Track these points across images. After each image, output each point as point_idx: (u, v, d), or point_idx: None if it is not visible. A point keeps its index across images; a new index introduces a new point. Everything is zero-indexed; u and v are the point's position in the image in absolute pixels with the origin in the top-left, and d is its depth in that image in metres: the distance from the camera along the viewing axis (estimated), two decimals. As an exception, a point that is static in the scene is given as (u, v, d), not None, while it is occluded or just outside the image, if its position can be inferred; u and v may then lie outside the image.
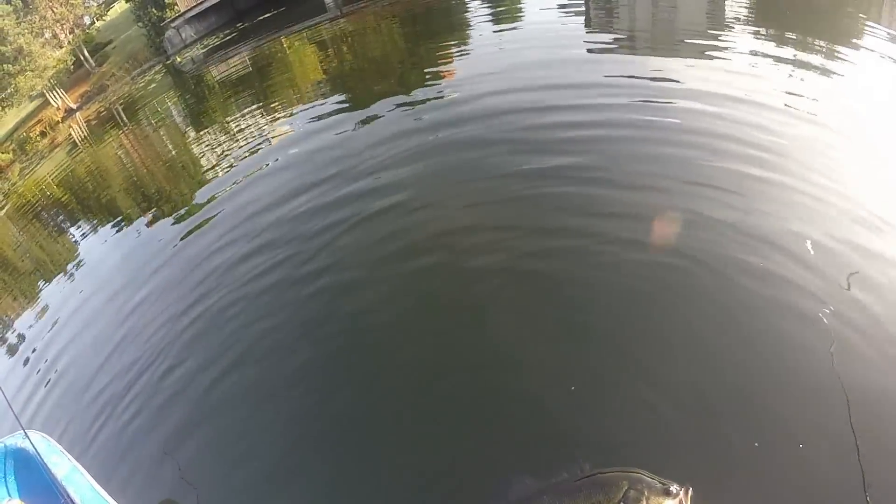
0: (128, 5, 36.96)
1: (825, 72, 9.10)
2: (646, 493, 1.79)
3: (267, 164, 10.66)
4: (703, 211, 5.78)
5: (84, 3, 42.75)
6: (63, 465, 3.91)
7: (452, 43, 15.29)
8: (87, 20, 43.24)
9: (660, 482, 1.79)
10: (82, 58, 37.20)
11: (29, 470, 3.95)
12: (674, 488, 1.72)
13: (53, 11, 38.86)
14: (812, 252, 4.82)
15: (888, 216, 5.12)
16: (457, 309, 5.48)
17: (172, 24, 30.21)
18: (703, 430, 3.67)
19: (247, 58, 22.99)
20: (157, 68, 28.19)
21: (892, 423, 3.52)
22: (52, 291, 9.69)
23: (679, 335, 4.53)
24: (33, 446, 3.79)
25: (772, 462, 3.45)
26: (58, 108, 31.14)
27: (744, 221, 5.46)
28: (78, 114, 28.99)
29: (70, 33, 40.65)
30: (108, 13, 43.66)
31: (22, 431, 3.96)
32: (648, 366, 4.24)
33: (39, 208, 16.54)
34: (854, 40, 10.25)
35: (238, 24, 28.82)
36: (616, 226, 5.91)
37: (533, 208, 6.65)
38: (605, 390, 4.17)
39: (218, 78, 21.61)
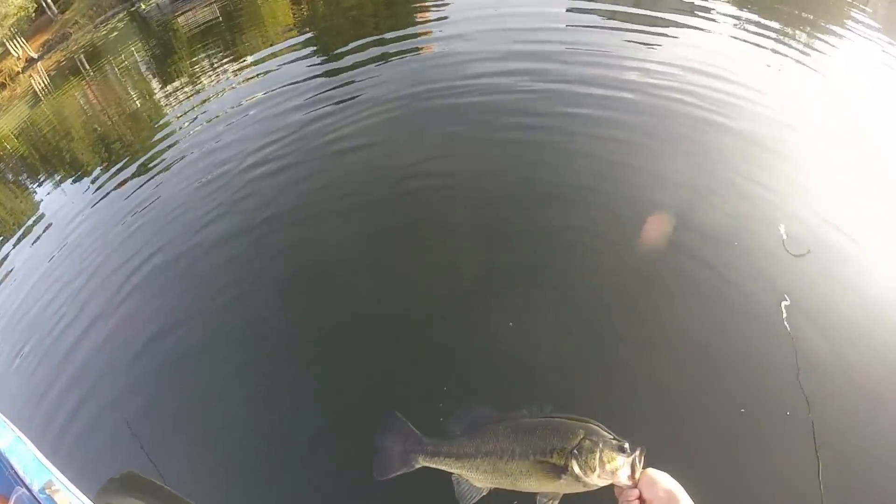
0: (91, -52, 35.18)
1: (807, 52, 9.19)
2: (600, 446, 1.71)
3: (235, 122, 10.35)
4: (677, 195, 5.77)
5: (46, -55, 40.52)
6: (6, 436, 3.74)
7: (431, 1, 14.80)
8: (48, -37, 41.08)
9: (615, 439, 1.71)
10: (44, 4, 35.43)
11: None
12: (627, 446, 1.64)
13: (13, -46, 36.82)
14: (785, 237, 4.85)
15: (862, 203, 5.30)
16: (433, 262, 5.58)
17: (138, -31, 28.85)
18: (668, 404, 3.85)
19: (216, 6, 22.07)
20: (121, 15, 27.01)
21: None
22: (12, 251, 9.36)
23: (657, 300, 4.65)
24: (-27, 416, 3.61)
25: (729, 440, 3.63)
26: (18, 58, 29.74)
27: (718, 212, 5.43)
28: (39, 63, 27.77)
29: (31, -23, 38.66)
30: (71, -44, 41.49)
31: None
32: (626, 333, 4.37)
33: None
34: (841, 22, 10.29)
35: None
36: (589, 199, 5.90)
37: (504, 169, 6.71)
38: (581, 345, 4.33)
39: (185, 27, 20.84)
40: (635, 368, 4.06)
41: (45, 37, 31.82)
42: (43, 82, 23.19)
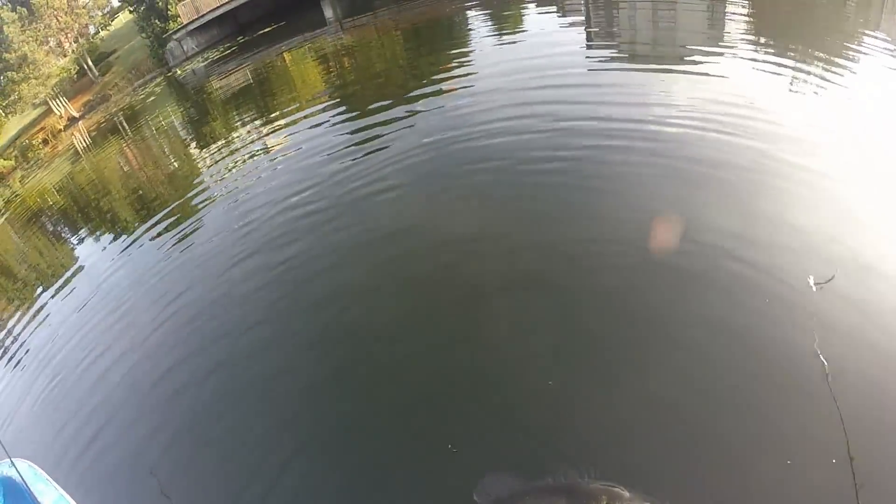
0: (132, 16, 37.28)
1: (823, 86, 9.16)
2: None
3: (266, 176, 10.92)
4: (693, 221, 5.97)
5: (89, 13, 42.93)
6: (49, 494, 3.96)
7: (454, 57, 15.44)
8: (91, 29, 43.47)
9: (640, 502, 1.86)
10: (86, 67, 37.45)
11: (15, 498, 4.00)
12: None
13: (58, 20, 39.03)
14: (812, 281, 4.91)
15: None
16: (453, 319, 5.69)
17: (175, 37, 30.45)
18: (688, 446, 3.82)
19: (248, 70, 23.16)
20: (158, 80, 28.34)
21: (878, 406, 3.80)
22: (49, 303, 9.75)
23: (669, 341, 4.71)
24: (20, 474, 3.84)
25: (758, 473, 3.59)
26: (60, 117, 31.33)
27: (735, 234, 5.63)
28: (80, 122, 29.19)
29: (74, 42, 40.85)
30: (113, 23, 43.91)
31: (8, 459, 4.01)
32: (639, 377, 4.39)
33: (41, 215, 16.71)
34: (852, 52, 10.38)
35: (239, 38, 29.05)
36: (610, 235, 6.13)
37: (525, 219, 6.89)
38: (597, 398, 4.32)
39: (219, 90, 21.80)
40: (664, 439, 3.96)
41: (86, 97, 33.50)
42: (84, 140, 24.34)
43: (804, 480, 3.50)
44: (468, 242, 6.79)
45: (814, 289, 4.73)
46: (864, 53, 10.10)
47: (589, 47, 13.53)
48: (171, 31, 31.65)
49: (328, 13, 28.95)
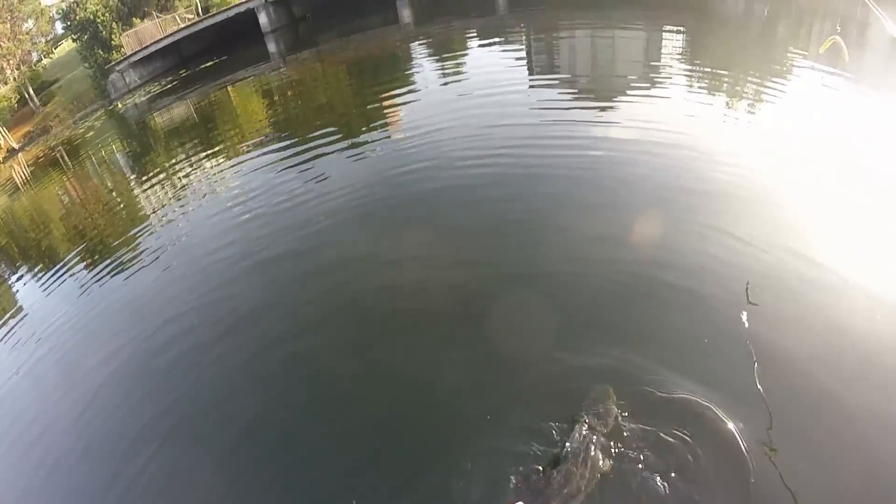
0: (75, 45, 37.30)
1: (753, 109, 10.31)
2: None
3: (209, 211, 11.28)
4: (632, 242, 6.75)
5: (32, 40, 42.53)
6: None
7: (399, 91, 16.21)
8: (34, 56, 43.09)
9: None
10: (27, 96, 37.17)
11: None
12: None
13: (0, 46, 38.68)
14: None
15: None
16: (406, 359, 6.00)
17: (117, 68, 30.65)
18: None
19: (190, 104, 23.59)
20: (99, 113, 28.44)
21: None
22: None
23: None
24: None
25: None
26: (-1, 148, 31.09)
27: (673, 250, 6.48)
28: (20, 154, 29.03)
29: (16, 69, 40.45)
30: (56, 51, 43.65)
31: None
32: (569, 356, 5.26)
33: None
34: (782, 77, 11.52)
35: (182, 71, 29.45)
36: (552, 259, 6.78)
37: (470, 248, 7.52)
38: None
39: (161, 124, 22.07)
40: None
41: (26, 128, 33.31)
42: (23, 173, 24.35)
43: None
44: (410, 270, 7.23)
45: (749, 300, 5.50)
46: (793, 78, 11.32)
47: (531, 80, 14.58)
48: (113, 62, 31.83)
49: (271, 47, 29.80)
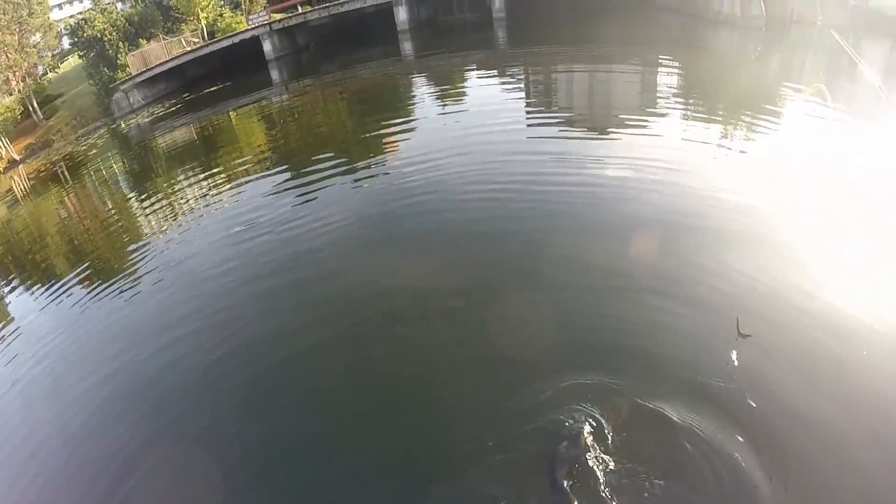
0: (81, 61, 37.96)
1: (747, 145, 10.91)
2: None
3: (207, 236, 11.46)
4: (625, 272, 7.13)
5: (39, 53, 43.15)
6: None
7: (398, 122, 16.75)
8: (40, 70, 43.70)
9: None
10: (31, 108, 37.67)
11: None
12: None
13: (7, 57, 39.15)
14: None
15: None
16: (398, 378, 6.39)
17: (122, 87, 31.27)
18: None
19: (193, 128, 24.12)
20: (102, 131, 28.88)
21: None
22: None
23: None
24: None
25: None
26: (0, 158, 31.49)
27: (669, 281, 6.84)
28: (21, 166, 29.43)
29: (21, 81, 40.98)
30: (62, 66, 44.36)
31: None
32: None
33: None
34: (775, 112, 12.26)
35: (185, 95, 30.10)
36: (548, 289, 7.13)
37: (468, 277, 7.82)
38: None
39: (163, 147, 22.46)
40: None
41: (28, 140, 33.78)
42: (24, 185, 24.71)
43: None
44: (406, 298, 7.51)
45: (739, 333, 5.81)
46: (782, 115, 11.99)
47: (528, 114, 15.22)
48: (118, 81, 32.45)
49: (275, 74, 30.57)
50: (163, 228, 12.85)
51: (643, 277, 7.00)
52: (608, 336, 6.22)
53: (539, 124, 14.09)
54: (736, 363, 5.50)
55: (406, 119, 17.22)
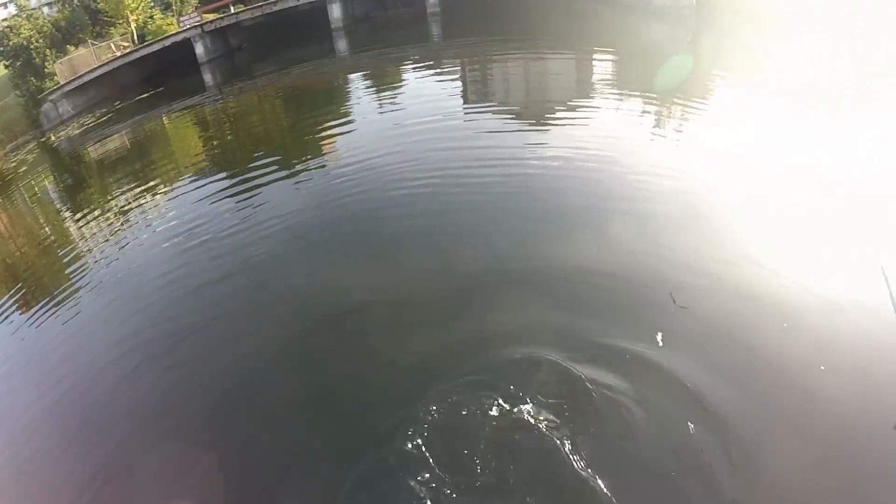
0: (7, 71, 36.72)
1: (680, 127, 11.77)
2: None
3: (146, 246, 11.43)
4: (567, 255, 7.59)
5: (-39, 64, 41.42)
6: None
7: (336, 120, 17.03)
8: (-38, 81, 41.94)
9: None
10: (-45, 122, 36.33)
11: None
12: None
13: (-75, 69, 37.67)
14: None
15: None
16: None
17: (50, 97, 30.39)
18: None
19: (126, 138, 23.66)
20: (31, 146, 27.89)
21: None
22: None
23: None
24: None
25: None
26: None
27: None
28: (-54, 185, 28.36)
29: (-57, 95, 39.44)
30: (-13, 76, 42.66)
31: None
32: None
33: None
34: (705, 96, 13.21)
35: (116, 103, 29.39)
36: (492, 271, 7.65)
37: (411, 272, 8.12)
38: None
39: (97, 159, 21.94)
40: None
41: (-46, 157, 32.50)
42: (-51, 206, 23.85)
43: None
44: (348, 292, 7.76)
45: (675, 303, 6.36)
46: (710, 98, 12.94)
47: (465, 107, 15.81)
48: (47, 91, 31.57)
49: (208, 78, 30.28)
50: (100, 243, 12.66)
51: (580, 259, 7.49)
52: (548, 314, 6.66)
53: (475, 117, 14.59)
54: (672, 331, 6.08)
55: (343, 117, 17.49)
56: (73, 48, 34.65)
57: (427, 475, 4.93)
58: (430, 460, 5.04)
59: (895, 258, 6.35)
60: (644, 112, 13.00)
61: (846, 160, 8.94)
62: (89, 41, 35.04)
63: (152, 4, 38.87)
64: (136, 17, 36.38)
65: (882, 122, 10.29)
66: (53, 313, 9.90)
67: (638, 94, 14.22)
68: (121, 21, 36.86)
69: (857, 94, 11.72)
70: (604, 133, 11.70)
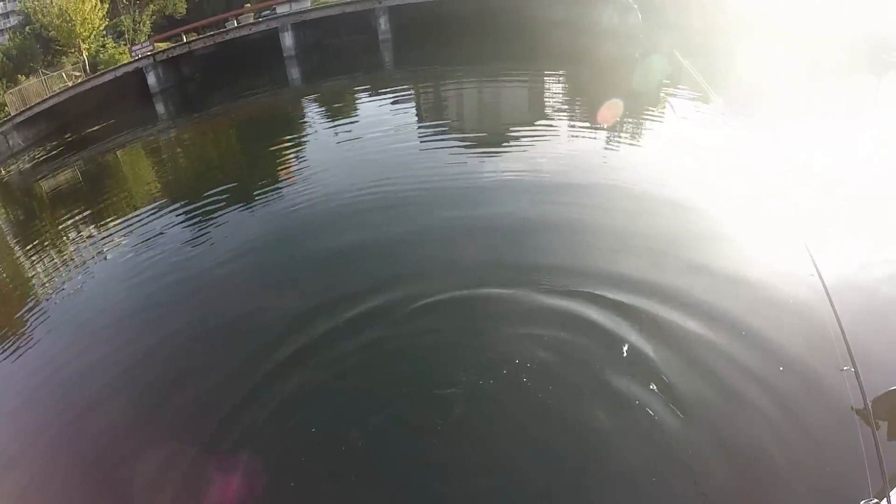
0: (-45, 102, 36.23)
1: (634, 141, 12.83)
2: None
3: (100, 281, 11.72)
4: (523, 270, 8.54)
5: None
6: None
7: (291, 147, 17.71)
8: None
9: None
10: None
11: None
12: None
13: None
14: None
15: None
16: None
17: (0, 130, 30.27)
18: None
19: (78, 171, 23.66)
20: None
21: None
22: None
23: None
24: None
25: None
26: None
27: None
28: None
29: None
30: (-67, 106, 41.87)
31: None
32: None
33: None
34: (657, 111, 14.34)
35: (67, 136, 29.35)
36: (447, 291, 8.28)
37: (359, 295, 8.58)
38: None
39: (48, 193, 21.77)
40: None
41: None
42: None
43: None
44: (310, 317, 8.16)
45: None
46: (667, 111, 13.99)
47: (420, 130, 16.63)
48: (-4, 123, 31.31)
49: (160, 108, 30.64)
50: (53, 280, 12.75)
51: (534, 271, 8.50)
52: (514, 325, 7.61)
53: (430, 141, 15.32)
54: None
55: (297, 144, 18.24)
56: (24, 77, 34.56)
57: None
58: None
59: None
60: (596, 128, 14.10)
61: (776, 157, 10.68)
62: (41, 70, 34.98)
63: (104, 33, 39.01)
64: (87, 46, 36.51)
65: (798, 125, 12.32)
66: (4, 356, 9.88)
67: (589, 110, 15.28)
68: (73, 50, 36.93)
69: (781, 99, 13.49)
70: (556, 151, 12.73)
